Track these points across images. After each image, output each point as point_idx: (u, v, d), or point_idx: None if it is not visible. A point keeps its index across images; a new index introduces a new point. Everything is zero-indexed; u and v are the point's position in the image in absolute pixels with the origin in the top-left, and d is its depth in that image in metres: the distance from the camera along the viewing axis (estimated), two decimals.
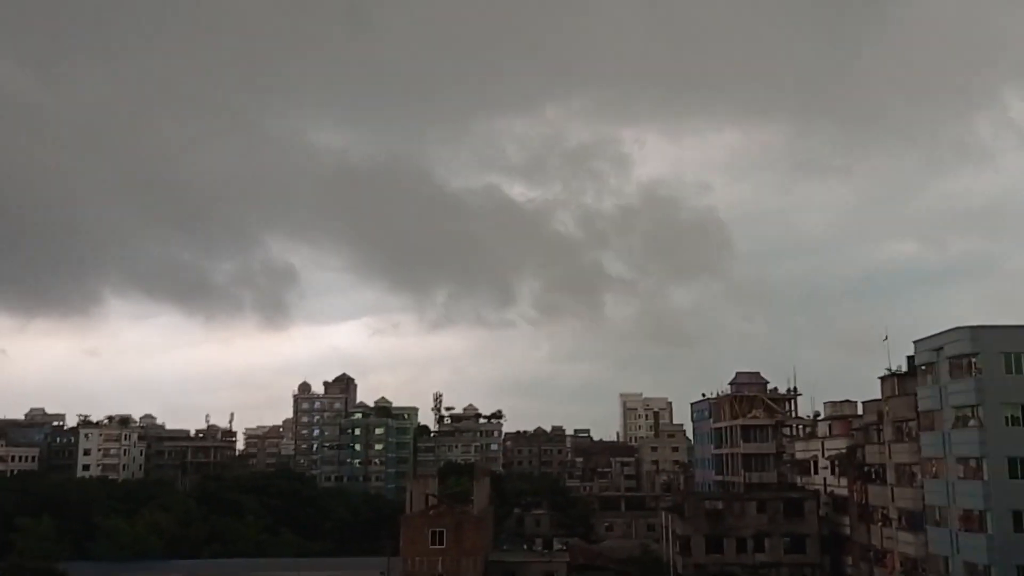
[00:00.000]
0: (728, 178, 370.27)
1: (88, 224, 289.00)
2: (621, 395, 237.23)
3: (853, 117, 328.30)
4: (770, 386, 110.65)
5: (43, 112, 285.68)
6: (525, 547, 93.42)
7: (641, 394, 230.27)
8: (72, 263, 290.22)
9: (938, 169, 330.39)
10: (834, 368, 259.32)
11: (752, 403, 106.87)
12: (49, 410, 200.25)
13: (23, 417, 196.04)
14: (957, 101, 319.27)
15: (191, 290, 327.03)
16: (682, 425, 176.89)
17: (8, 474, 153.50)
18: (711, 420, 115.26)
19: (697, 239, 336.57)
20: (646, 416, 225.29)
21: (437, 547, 70.37)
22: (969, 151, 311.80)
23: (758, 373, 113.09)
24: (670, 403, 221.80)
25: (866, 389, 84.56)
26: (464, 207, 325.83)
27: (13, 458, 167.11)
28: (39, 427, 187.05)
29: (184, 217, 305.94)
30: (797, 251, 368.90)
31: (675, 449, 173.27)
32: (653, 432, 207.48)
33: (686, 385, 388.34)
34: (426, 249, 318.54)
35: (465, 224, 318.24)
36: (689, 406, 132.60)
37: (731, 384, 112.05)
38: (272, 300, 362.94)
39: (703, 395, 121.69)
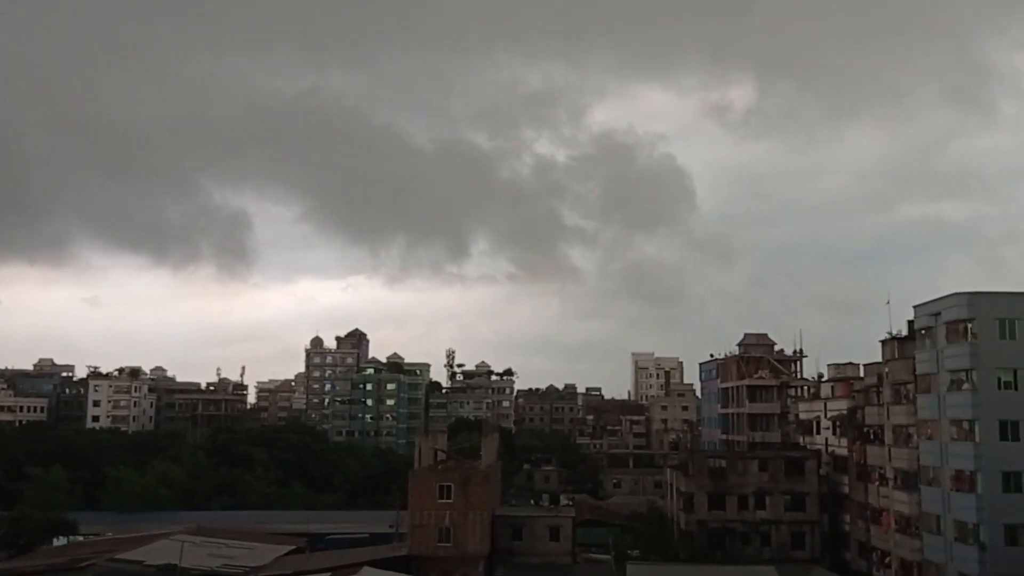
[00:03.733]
0: (695, 135, 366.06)
1: (37, 169, 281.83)
2: (633, 354, 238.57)
3: (822, 77, 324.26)
4: (776, 348, 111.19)
5: None
6: (533, 502, 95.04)
7: (652, 353, 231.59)
8: (29, 208, 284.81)
9: (946, 132, 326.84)
10: (839, 331, 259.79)
11: (759, 364, 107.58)
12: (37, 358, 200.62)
13: (32, 367, 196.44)
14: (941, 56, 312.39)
15: (153, 239, 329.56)
16: (692, 385, 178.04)
17: (17, 424, 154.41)
18: (718, 380, 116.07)
19: (657, 187, 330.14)
20: (657, 375, 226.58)
21: (445, 501, 71.32)
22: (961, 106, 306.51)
23: (765, 335, 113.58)
24: (681, 363, 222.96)
25: (869, 352, 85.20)
26: (414, 153, 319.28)
27: (22, 408, 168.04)
28: (48, 378, 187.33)
29: (130, 166, 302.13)
30: (782, 215, 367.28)
31: (685, 408, 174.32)
32: (664, 391, 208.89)
33: (684, 344, 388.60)
34: (380, 197, 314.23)
35: (416, 171, 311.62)
36: (698, 366, 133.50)
37: (739, 345, 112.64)
38: (235, 251, 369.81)
39: (711, 355, 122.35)
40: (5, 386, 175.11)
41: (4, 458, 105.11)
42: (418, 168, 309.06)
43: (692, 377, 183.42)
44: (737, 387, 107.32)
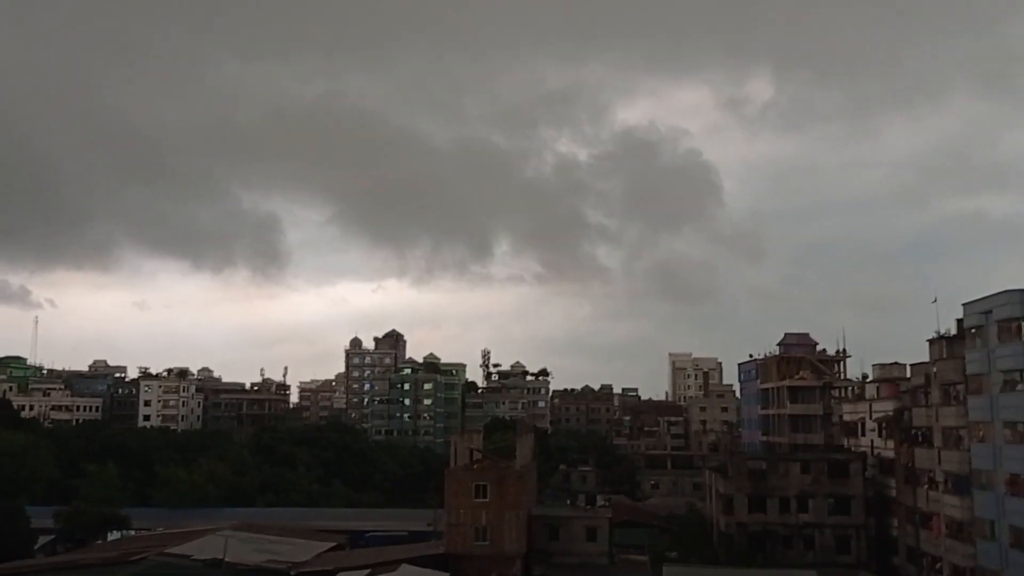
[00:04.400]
0: (720, 131, 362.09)
1: (75, 178, 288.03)
2: (670, 355, 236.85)
3: (848, 70, 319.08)
4: (818, 347, 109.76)
5: None
6: (569, 503, 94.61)
7: (690, 354, 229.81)
8: (72, 215, 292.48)
9: (981, 123, 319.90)
10: (878, 330, 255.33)
11: (800, 364, 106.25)
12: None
13: (87, 368, 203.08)
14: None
15: (190, 243, 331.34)
16: (731, 385, 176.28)
17: (74, 423, 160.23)
18: (758, 381, 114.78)
19: (683, 183, 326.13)
20: (695, 376, 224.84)
21: (480, 500, 71.21)
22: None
23: (807, 334, 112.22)
24: (720, 363, 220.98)
25: (916, 352, 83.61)
26: (433, 154, 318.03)
27: (78, 407, 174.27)
28: (102, 378, 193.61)
29: (163, 173, 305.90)
30: (816, 211, 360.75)
31: (724, 409, 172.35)
32: (702, 392, 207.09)
33: (719, 344, 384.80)
34: (402, 199, 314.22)
35: (437, 172, 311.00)
36: (736, 366, 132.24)
37: (779, 345, 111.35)
38: (268, 254, 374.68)
39: (750, 355, 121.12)
40: (62, 386, 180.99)
41: (62, 455, 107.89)
42: (439, 169, 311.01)
43: (731, 377, 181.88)
44: (778, 388, 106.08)
